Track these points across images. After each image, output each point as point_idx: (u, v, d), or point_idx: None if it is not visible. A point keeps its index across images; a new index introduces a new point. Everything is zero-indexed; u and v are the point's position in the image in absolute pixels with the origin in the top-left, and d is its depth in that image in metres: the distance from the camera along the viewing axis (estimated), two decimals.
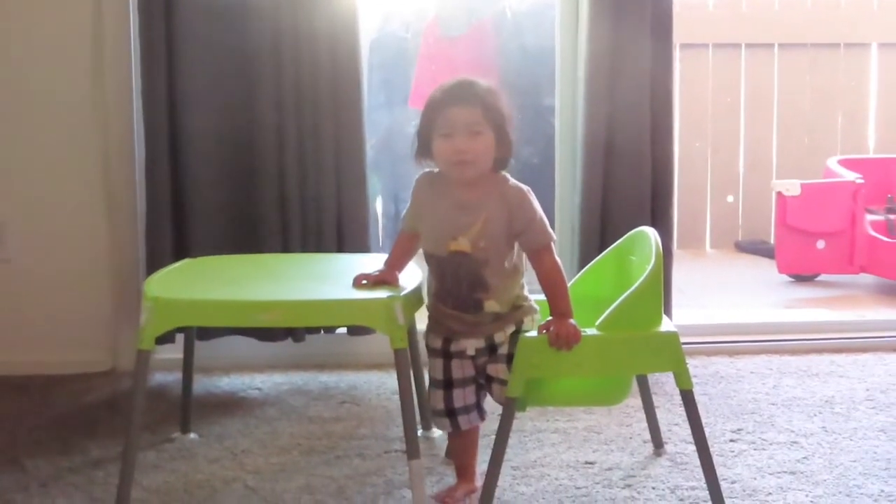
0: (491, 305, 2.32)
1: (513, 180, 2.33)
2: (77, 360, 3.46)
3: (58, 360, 3.44)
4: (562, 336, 2.21)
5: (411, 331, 2.62)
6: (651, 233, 2.46)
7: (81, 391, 3.29)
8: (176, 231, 3.36)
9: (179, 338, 2.91)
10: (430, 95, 2.32)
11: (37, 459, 2.73)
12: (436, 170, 2.36)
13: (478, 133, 2.25)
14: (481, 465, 2.46)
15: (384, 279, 2.42)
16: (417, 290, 2.49)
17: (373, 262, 2.80)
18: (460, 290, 2.32)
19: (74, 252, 3.49)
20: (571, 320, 2.25)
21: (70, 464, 2.71)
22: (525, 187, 2.33)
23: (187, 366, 2.87)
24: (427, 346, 2.42)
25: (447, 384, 2.37)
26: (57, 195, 3.47)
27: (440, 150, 2.27)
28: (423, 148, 2.31)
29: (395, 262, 2.46)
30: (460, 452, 2.50)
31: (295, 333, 3.42)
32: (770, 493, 2.51)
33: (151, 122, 3.31)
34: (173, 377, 3.25)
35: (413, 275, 2.55)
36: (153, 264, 3.22)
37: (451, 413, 2.39)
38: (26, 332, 3.48)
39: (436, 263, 2.35)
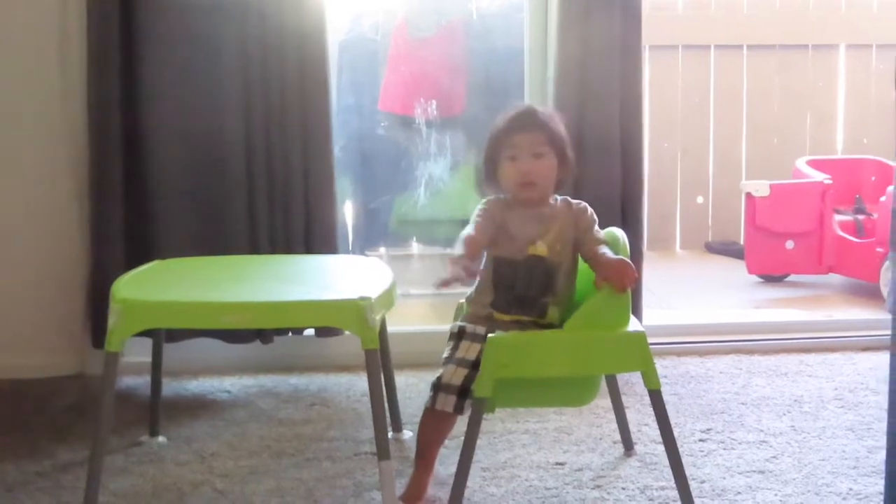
0: (553, 313, 2.40)
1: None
2: (45, 363, 3.45)
3: (26, 364, 3.43)
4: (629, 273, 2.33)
5: (382, 332, 2.63)
6: (621, 234, 2.49)
7: (49, 395, 3.27)
8: (142, 234, 3.35)
9: (148, 341, 2.89)
10: (493, 125, 2.49)
11: (4, 464, 2.72)
12: (502, 196, 2.47)
13: (541, 155, 2.41)
14: (450, 468, 2.46)
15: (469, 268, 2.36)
16: (388, 292, 2.49)
17: (343, 263, 2.81)
18: (529, 292, 2.39)
19: (43, 257, 3.47)
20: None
21: (38, 468, 2.70)
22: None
23: (156, 369, 2.86)
24: (463, 331, 2.44)
25: (475, 365, 2.37)
26: (25, 202, 3.45)
27: (507, 173, 2.42)
28: (490, 173, 2.46)
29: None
30: (436, 440, 2.50)
31: (263, 335, 3.42)
32: (739, 493, 2.53)
33: (101, 124, 3.29)
34: (142, 380, 3.24)
35: (384, 276, 2.56)
36: (117, 267, 3.21)
37: (464, 392, 2.39)
38: None
39: (509, 268, 2.42)
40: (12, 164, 3.44)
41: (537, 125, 2.44)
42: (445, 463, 2.55)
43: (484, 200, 2.47)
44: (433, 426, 2.48)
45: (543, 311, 2.40)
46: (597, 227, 2.47)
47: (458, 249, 2.33)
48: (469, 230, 2.41)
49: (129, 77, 3.30)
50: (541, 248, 2.40)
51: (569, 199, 2.50)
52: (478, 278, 2.46)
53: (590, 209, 2.48)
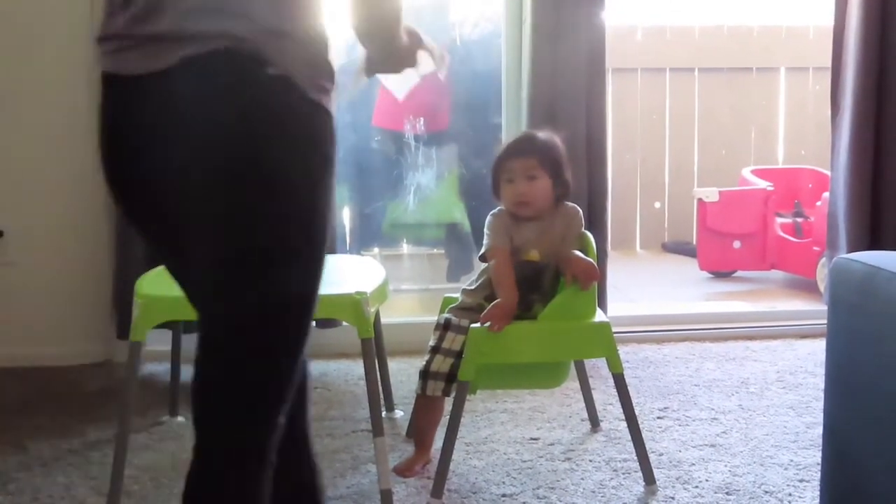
0: (537, 308, 2.39)
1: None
2: (75, 352, 3.44)
3: (57, 353, 3.42)
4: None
5: (376, 323, 2.62)
6: (588, 235, 2.49)
7: (79, 381, 3.26)
8: None
9: (168, 332, 2.88)
10: (497, 150, 2.54)
11: (38, 442, 2.71)
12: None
13: (534, 178, 2.43)
14: (437, 442, 2.47)
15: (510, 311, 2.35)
16: (382, 287, 2.49)
17: (340, 261, 2.80)
18: (519, 291, 2.37)
19: (72, 254, 3.46)
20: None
21: (69, 446, 2.69)
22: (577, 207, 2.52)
23: (175, 356, 2.86)
24: (449, 323, 2.43)
25: (460, 354, 2.38)
26: (55, 203, 3.44)
27: (505, 194, 2.46)
28: (496, 192, 2.50)
29: (512, 281, 2.39)
30: (425, 426, 2.52)
31: None
32: (693, 464, 2.54)
33: None
34: (163, 367, 3.23)
35: (377, 272, 2.56)
36: (139, 266, 3.19)
37: (450, 378, 2.39)
38: (29, 328, 3.45)
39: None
40: (47, 175, 3.42)
41: (530, 150, 2.46)
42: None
43: (493, 213, 2.48)
44: (426, 409, 2.51)
45: (530, 307, 2.39)
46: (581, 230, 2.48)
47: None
48: (496, 242, 2.41)
49: None
50: (534, 255, 2.41)
51: (566, 203, 2.50)
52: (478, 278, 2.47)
53: (580, 214, 2.49)
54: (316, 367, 3.36)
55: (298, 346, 1.42)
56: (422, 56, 1.65)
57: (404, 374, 3.20)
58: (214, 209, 1.32)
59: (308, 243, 1.37)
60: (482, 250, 2.44)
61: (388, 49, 1.54)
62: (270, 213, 1.32)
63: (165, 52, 1.30)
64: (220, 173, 1.30)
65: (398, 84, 4.37)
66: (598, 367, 3.13)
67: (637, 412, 2.44)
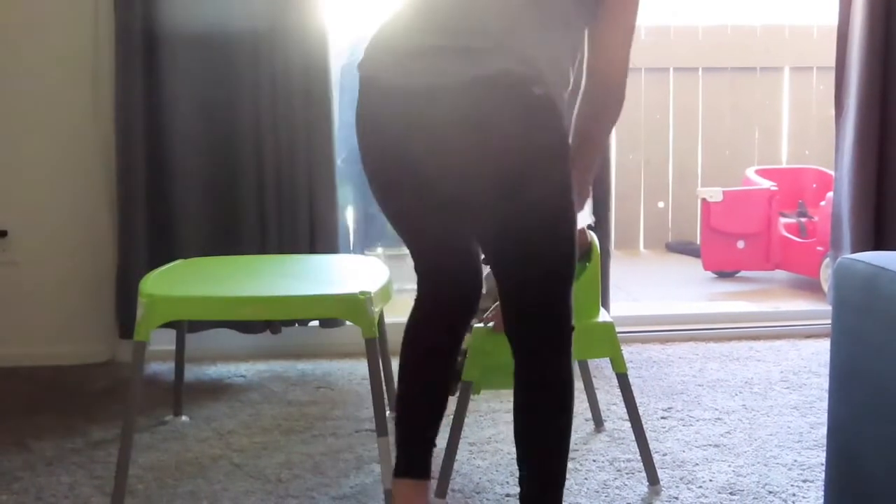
0: None
1: None
2: (79, 352, 3.44)
3: (61, 353, 3.42)
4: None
5: (380, 323, 2.62)
6: (592, 235, 2.48)
7: (83, 380, 3.27)
8: (164, 237, 3.34)
9: (171, 331, 2.89)
10: None
11: (43, 442, 2.71)
12: None
13: None
14: (440, 442, 2.46)
15: None
16: (386, 287, 2.49)
17: (344, 261, 2.80)
18: None
19: (76, 254, 3.46)
20: None
21: (73, 445, 2.69)
22: None
23: (179, 356, 2.86)
24: None
25: (465, 353, 2.36)
26: (59, 202, 3.44)
27: None
28: None
29: None
30: None
31: (272, 326, 3.42)
32: (697, 464, 2.53)
33: (128, 143, 3.29)
34: (166, 366, 3.24)
35: (381, 272, 2.56)
36: (143, 266, 3.20)
37: (455, 377, 2.37)
38: (33, 328, 3.45)
39: None
40: (51, 175, 3.43)
41: None
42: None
43: None
44: None
45: None
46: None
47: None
48: None
49: (152, 108, 3.29)
50: None
51: None
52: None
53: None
54: (319, 367, 3.37)
55: None
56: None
57: None
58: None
59: None
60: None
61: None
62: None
63: None
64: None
65: None
66: (601, 367, 3.13)
67: (641, 412, 2.44)
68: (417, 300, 2.08)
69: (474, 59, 1.79)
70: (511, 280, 1.91)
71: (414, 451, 2.09)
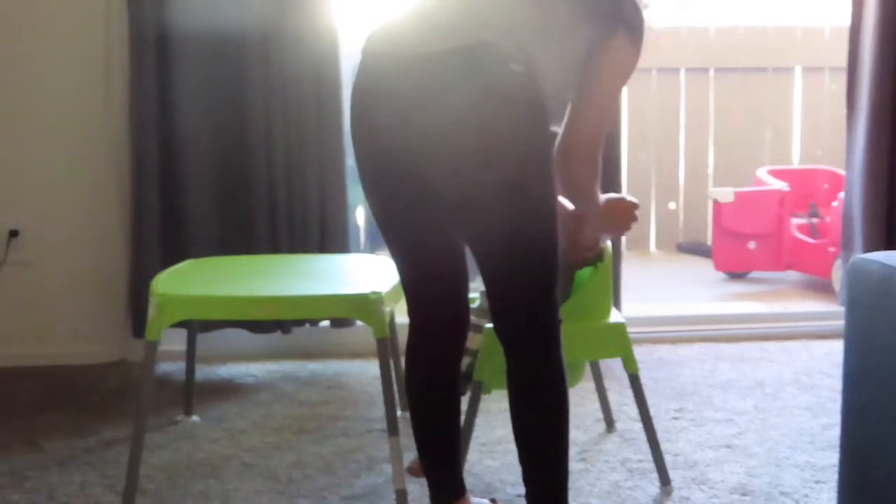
0: None
1: None
2: (90, 351, 3.45)
3: (73, 352, 3.43)
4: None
5: (391, 323, 2.62)
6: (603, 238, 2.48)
7: (95, 380, 3.28)
8: (176, 237, 3.35)
9: (183, 331, 2.89)
10: None
11: (54, 441, 2.72)
12: None
13: None
14: None
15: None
16: (396, 287, 2.49)
17: (355, 261, 2.80)
18: None
19: (88, 254, 3.47)
20: None
21: (84, 445, 2.70)
22: None
23: (190, 356, 2.87)
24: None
25: (476, 353, 2.37)
26: (71, 202, 3.45)
27: None
28: None
29: None
30: None
31: (283, 326, 3.42)
32: (709, 465, 2.53)
33: (140, 146, 3.30)
34: (177, 366, 3.24)
35: (392, 272, 2.55)
36: (155, 266, 3.21)
37: (466, 377, 2.38)
38: (44, 327, 3.46)
39: None
40: (63, 175, 3.44)
41: None
42: None
43: None
44: None
45: None
46: None
47: None
48: None
49: (164, 109, 3.30)
50: None
51: None
52: None
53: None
54: (330, 367, 3.37)
55: None
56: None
57: None
58: None
59: None
60: None
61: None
62: None
63: None
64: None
65: None
66: (612, 368, 3.12)
67: (652, 413, 2.44)
68: (410, 327, 2.07)
69: (457, 32, 1.81)
70: (492, 271, 1.93)
71: (443, 475, 2.09)
